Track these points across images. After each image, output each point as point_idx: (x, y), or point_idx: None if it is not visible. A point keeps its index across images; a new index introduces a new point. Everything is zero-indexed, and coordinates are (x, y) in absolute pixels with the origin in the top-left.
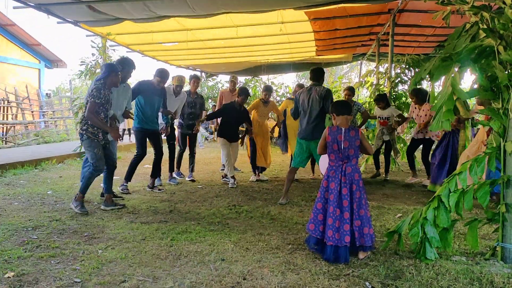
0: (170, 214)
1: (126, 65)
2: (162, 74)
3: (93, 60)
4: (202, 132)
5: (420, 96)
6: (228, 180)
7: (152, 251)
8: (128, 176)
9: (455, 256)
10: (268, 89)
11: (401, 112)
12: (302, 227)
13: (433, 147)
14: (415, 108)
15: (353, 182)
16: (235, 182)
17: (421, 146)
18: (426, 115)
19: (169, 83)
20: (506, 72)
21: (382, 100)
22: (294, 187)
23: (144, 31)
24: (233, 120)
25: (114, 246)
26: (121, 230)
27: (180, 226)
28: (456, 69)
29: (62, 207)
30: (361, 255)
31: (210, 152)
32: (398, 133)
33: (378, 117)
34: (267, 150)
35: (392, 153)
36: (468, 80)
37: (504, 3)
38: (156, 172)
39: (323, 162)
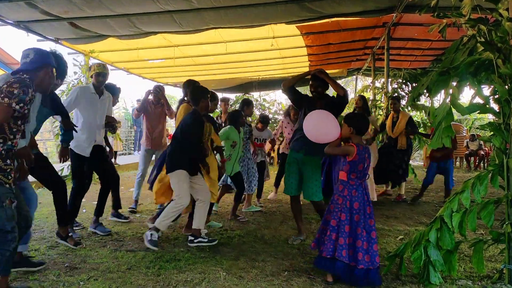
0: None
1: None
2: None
3: (76, 79)
4: None
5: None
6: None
7: (138, 281)
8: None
9: (461, 280)
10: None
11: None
12: (298, 251)
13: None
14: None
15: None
16: None
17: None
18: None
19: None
20: (506, 86)
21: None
22: (287, 208)
23: (130, 48)
24: None
25: (97, 277)
26: (104, 260)
27: (168, 253)
28: (455, 84)
29: (41, 236)
30: None
31: None
32: None
33: None
34: None
35: None
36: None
37: (501, 15)
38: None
39: None
